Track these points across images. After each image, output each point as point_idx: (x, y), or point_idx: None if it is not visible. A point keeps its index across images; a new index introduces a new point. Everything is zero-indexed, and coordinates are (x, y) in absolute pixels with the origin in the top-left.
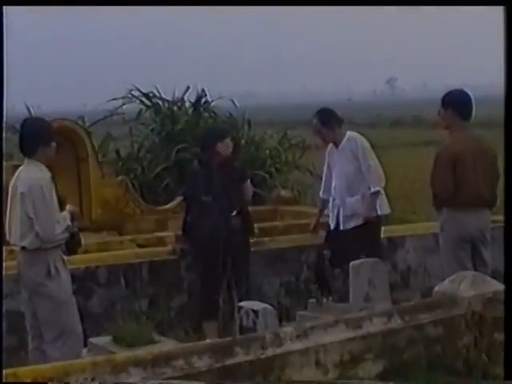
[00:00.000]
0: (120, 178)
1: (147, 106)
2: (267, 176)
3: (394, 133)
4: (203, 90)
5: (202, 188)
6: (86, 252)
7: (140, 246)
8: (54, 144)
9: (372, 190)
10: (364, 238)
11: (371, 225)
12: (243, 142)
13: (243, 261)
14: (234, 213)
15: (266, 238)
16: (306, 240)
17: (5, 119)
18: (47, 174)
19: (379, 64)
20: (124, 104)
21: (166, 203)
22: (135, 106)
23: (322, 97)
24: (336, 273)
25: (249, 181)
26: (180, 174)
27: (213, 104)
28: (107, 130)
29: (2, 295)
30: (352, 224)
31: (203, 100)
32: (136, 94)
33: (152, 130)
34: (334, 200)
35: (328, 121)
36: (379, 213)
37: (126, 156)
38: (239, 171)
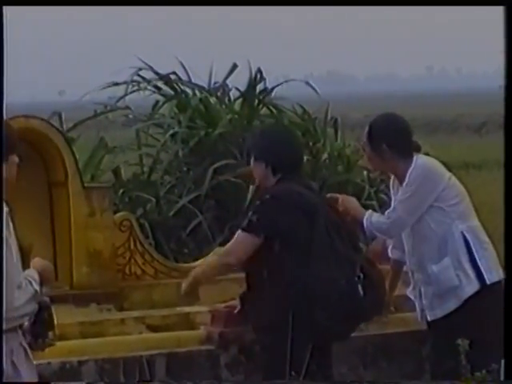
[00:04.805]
0: (120, 215)
1: (166, 97)
2: None
3: None
4: (259, 71)
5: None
6: (63, 338)
7: (152, 328)
8: (14, 158)
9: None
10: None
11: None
12: (325, 156)
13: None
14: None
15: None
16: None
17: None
18: (1, 208)
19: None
20: (128, 93)
21: (197, 258)
22: (146, 97)
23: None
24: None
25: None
26: (220, 208)
27: (275, 93)
28: (99, 135)
29: (2, 297)
30: (440, 311)
31: (260, 86)
32: (148, 76)
33: (174, 135)
34: (412, 272)
35: (383, 142)
36: (487, 282)
37: (130, 178)
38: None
